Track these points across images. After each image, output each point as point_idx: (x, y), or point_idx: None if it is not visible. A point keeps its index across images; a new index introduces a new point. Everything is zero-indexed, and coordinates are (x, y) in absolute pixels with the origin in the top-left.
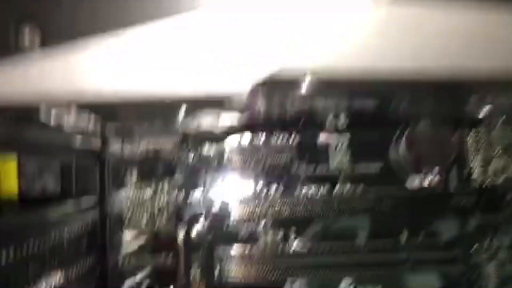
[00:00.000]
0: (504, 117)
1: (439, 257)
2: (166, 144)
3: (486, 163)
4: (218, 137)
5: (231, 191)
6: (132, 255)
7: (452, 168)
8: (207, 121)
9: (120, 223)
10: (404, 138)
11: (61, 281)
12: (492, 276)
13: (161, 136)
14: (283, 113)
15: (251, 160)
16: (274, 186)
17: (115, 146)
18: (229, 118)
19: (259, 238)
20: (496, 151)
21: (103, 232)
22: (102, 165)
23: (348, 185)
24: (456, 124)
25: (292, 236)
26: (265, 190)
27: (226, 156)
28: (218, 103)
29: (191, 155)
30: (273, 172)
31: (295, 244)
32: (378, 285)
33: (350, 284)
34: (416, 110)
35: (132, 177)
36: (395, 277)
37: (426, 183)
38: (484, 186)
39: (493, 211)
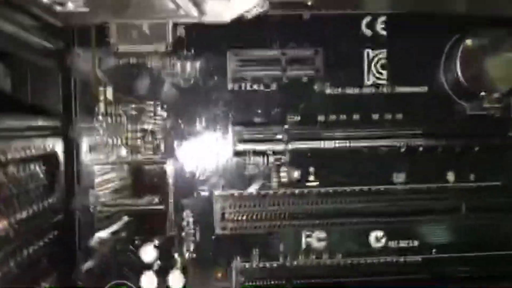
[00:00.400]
0: None
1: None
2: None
3: None
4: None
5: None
6: (105, 197)
7: None
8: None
9: (90, 153)
10: (459, 51)
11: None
12: None
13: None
14: None
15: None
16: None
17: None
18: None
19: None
20: None
21: (67, 165)
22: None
23: (384, 109)
24: None
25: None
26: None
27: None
28: None
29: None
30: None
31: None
32: (414, 241)
33: (380, 238)
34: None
35: (107, 93)
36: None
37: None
38: None
39: None
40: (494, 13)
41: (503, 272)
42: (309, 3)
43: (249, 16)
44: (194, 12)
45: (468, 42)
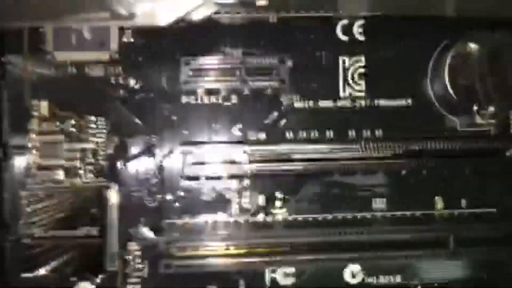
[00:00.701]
0: None
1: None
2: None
3: None
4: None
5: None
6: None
7: None
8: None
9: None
10: (449, 58)
11: None
12: None
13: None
14: None
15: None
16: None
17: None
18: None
19: (231, 200)
20: None
21: None
22: None
23: (362, 125)
24: None
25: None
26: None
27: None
28: None
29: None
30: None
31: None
32: (396, 276)
33: (357, 273)
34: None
35: (42, 108)
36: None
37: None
38: None
39: None
40: (489, 14)
41: None
42: (262, 3)
43: (195, 19)
44: (123, 11)
45: (459, 47)
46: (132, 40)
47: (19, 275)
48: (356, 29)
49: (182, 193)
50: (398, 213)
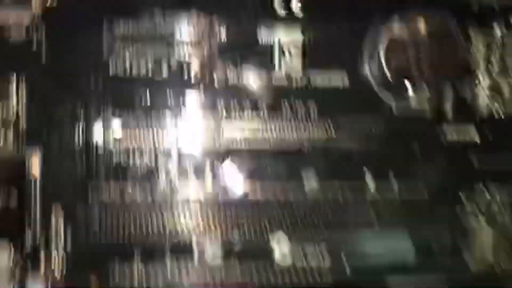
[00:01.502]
0: None
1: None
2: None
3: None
4: None
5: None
6: None
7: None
8: None
9: None
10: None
11: None
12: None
13: None
14: None
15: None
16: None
17: None
18: None
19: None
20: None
21: None
22: None
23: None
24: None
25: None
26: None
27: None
28: None
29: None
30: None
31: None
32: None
33: (281, 242)
34: None
35: None
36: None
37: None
38: (490, 112)
39: (497, 149)
40: None
41: None
42: None
43: None
44: None
45: (395, 28)
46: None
47: None
48: (295, 4)
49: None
50: (328, 195)
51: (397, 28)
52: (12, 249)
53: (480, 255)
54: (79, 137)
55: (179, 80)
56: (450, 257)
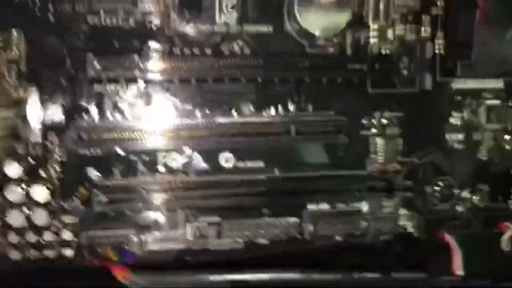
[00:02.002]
0: None
1: (327, 129)
2: None
3: (383, 28)
4: None
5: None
6: None
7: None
8: None
9: None
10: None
11: None
12: (379, 150)
13: None
14: None
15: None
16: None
17: None
18: None
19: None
20: (394, 17)
21: None
22: None
23: (235, 46)
24: None
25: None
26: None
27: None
28: None
29: None
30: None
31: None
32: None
33: (229, 159)
34: None
35: None
36: (280, 151)
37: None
38: (379, 52)
39: (386, 81)
40: None
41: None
42: None
43: None
44: None
45: None
46: None
47: None
48: None
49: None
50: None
51: None
52: None
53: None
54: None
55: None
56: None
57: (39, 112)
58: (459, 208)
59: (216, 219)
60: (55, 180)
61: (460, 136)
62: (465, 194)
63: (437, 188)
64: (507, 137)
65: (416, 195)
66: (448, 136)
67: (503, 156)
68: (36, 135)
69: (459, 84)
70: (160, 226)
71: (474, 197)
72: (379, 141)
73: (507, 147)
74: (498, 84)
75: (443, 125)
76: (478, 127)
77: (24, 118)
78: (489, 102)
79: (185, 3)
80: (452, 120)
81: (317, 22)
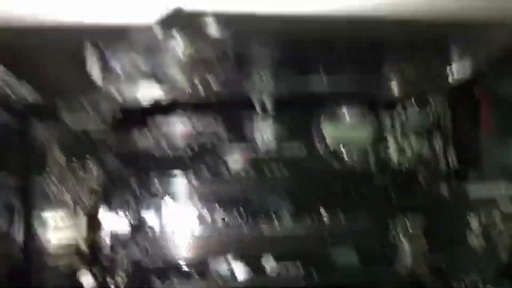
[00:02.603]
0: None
1: (358, 234)
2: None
3: (402, 145)
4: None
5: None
6: None
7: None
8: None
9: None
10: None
11: None
12: (406, 250)
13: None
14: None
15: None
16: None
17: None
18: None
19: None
20: (410, 134)
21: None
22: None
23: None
24: (373, 105)
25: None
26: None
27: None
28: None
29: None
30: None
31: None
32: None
33: (271, 261)
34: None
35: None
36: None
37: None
38: (400, 166)
39: (408, 191)
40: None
41: None
42: None
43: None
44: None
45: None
46: (120, 114)
47: None
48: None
49: None
50: None
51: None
52: None
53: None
54: None
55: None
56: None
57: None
58: None
59: None
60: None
61: (481, 239)
62: None
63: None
64: None
65: None
66: (469, 239)
67: None
68: (106, 247)
69: (473, 191)
70: None
71: None
72: (406, 244)
73: None
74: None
75: (464, 229)
76: (495, 230)
77: (97, 233)
78: (503, 207)
79: (231, 134)
80: (472, 224)
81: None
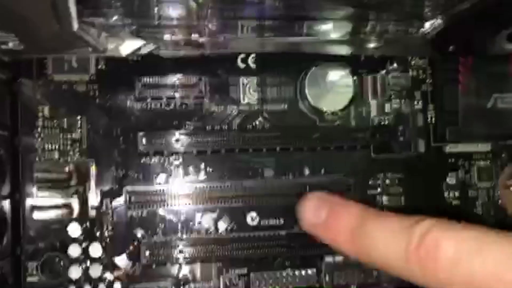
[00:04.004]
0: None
1: (337, 188)
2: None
3: (381, 103)
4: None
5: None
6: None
7: (353, 107)
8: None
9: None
10: (307, 77)
11: None
12: (382, 208)
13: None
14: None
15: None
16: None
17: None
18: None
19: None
20: (390, 94)
21: (14, 167)
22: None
23: (257, 122)
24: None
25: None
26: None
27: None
28: None
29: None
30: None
31: (203, 177)
32: (280, 219)
33: (254, 218)
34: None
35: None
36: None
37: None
38: (379, 124)
39: (386, 148)
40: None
41: None
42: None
43: (144, 52)
44: (100, 48)
45: (312, 70)
46: (104, 66)
47: None
48: (250, 60)
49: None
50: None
51: (313, 71)
52: None
53: None
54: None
55: (182, 111)
56: None
57: (97, 181)
58: None
59: (244, 271)
60: (107, 238)
61: (457, 194)
62: None
63: None
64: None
65: None
66: (446, 194)
67: (495, 210)
68: (94, 200)
69: (451, 148)
70: (196, 279)
71: None
72: (384, 198)
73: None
74: (486, 147)
75: (441, 185)
76: (472, 185)
77: (85, 187)
78: (479, 163)
79: (215, 89)
80: (448, 180)
81: (325, 100)
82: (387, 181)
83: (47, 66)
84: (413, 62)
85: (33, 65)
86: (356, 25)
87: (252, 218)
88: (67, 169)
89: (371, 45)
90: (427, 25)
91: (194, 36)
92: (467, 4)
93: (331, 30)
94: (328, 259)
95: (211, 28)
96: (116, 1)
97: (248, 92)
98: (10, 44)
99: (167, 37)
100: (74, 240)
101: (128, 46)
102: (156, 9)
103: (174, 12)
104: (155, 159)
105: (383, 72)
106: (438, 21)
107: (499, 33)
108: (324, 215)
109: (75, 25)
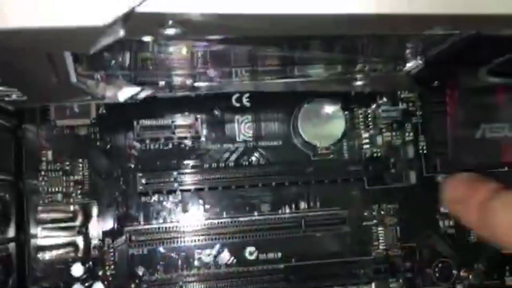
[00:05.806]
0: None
1: (333, 221)
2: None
3: (373, 136)
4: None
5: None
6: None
7: (345, 141)
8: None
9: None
10: (300, 114)
11: None
12: (378, 238)
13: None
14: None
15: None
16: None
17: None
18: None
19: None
20: (381, 127)
21: (19, 210)
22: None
23: (253, 158)
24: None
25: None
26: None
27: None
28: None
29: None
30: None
31: (202, 214)
32: (278, 252)
33: (253, 252)
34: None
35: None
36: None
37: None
38: (372, 156)
39: (380, 179)
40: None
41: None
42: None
43: (141, 97)
44: (99, 96)
45: (304, 107)
46: (104, 111)
47: None
48: (244, 99)
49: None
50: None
51: (306, 107)
52: None
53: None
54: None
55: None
56: None
57: (99, 221)
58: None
59: None
60: (109, 277)
61: (451, 223)
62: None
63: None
64: None
65: (417, 275)
66: (441, 223)
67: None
68: (96, 240)
69: (443, 178)
70: None
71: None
72: (380, 229)
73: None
74: None
75: (435, 214)
76: None
77: (87, 227)
78: None
79: (211, 128)
80: (442, 209)
81: (318, 135)
82: (382, 212)
83: (50, 113)
84: (402, 95)
85: (37, 112)
86: (345, 66)
87: (250, 252)
88: (70, 209)
89: (360, 82)
90: (409, 65)
91: (189, 81)
92: (445, 45)
93: (322, 72)
94: None
95: (206, 75)
96: (112, 58)
97: (243, 129)
98: (14, 96)
99: (162, 84)
100: (77, 279)
101: (125, 93)
102: (150, 62)
103: (169, 62)
104: (154, 198)
105: (374, 106)
106: (418, 62)
107: (478, 69)
108: (461, 192)
109: (74, 79)
